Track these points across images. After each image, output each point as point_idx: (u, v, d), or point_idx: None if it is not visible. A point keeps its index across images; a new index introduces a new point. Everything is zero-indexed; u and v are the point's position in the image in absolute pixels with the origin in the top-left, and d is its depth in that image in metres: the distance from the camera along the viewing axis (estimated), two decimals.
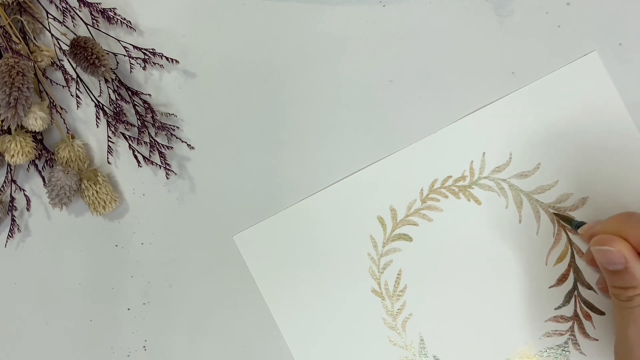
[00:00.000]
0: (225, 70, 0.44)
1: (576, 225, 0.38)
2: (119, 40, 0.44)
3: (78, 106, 0.45)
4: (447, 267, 0.42)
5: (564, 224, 0.40)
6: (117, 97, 0.44)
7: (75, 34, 0.43)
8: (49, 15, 0.44)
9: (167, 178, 0.45)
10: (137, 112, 0.44)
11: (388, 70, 0.42)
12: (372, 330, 0.42)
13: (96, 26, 0.44)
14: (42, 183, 0.46)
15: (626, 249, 0.33)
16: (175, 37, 0.44)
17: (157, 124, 0.43)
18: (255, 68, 0.44)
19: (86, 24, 0.44)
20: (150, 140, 0.44)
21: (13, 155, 0.42)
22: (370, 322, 0.42)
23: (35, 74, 0.43)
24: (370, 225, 0.43)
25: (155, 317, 0.45)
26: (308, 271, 0.43)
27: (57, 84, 0.45)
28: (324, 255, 0.43)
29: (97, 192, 0.43)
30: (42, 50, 0.43)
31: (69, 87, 0.45)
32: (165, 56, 0.43)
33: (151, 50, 0.43)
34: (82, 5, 0.43)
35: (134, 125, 0.44)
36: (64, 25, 0.44)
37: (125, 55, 0.44)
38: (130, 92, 0.44)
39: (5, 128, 0.42)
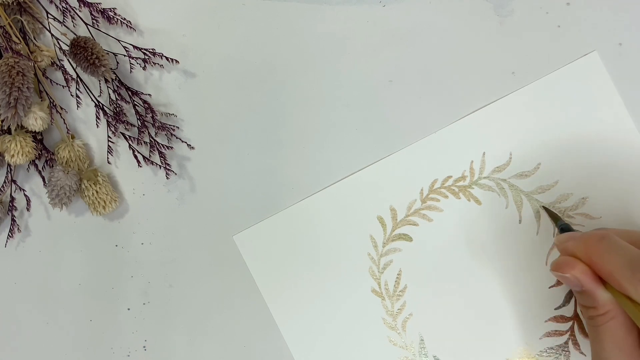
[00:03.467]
0: (225, 70, 0.44)
1: (560, 226, 0.38)
2: (119, 40, 0.44)
3: (78, 106, 0.45)
4: (447, 267, 0.42)
5: (550, 219, 0.40)
6: (117, 97, 0.44)
7: (75, 34, 0.43)
8: (49, 15, 0.44)
9: (167, 178, 0.45)
10: (137, 112, 0.44)
11: (388, 70, 0.42)
12: (372, 330, 0.42)
13: (96, 26, 0.44)
14: (42, 183, 0.46)
15: (582, 274, 0.32)
16: (175, 37, 0.44)
17: (157, 124, 0.43)
18: (255, 68, 0.44)
19: (86, 24, 0.44)
20: (150, 140, 0.44)
21: (13, 155, 0.42)
22: (370, 322, 0.42)
23: (35, 74, 0.43)
24: (370, 225, 0.43)
25: (155, 317, 0.45)
26: (308, 271, 0.43)
27: (57, 84, 0.45)
28: (324, 255, 0.43)
29: (97, 192, 0.43)
30: (42, 50, 0.43)
31: (69, 87, 0.45)
32: (165, 56, 0.43)
33: (151, 50, 0.43)
34: (82, 5, 0.43)
35: (134, 125, 0.44)
36: (64, 25, 0.44)
37: (125, 55, 0.44)
38: (130, 92, 0.44)
39: (5, 128, 0.42)
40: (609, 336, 0.32)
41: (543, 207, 0.40)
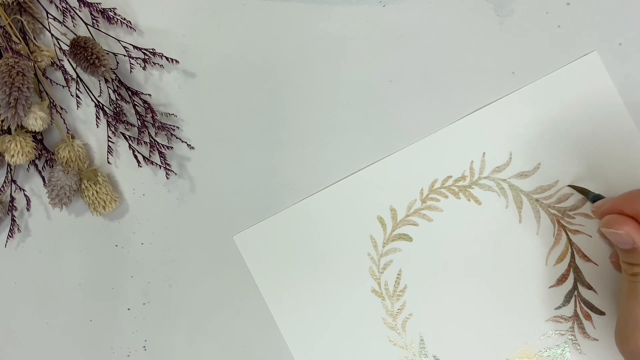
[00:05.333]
0: (225, 70, 0.44)
1: (592, 197, 0.38)
2: (119, 40, 0.44)
3: (78, 106, 0.45)
4: (447, 267, 0.42)
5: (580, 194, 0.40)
6: (117, 97, 0.44)
7: (75, 34, 0.43)
8: (49, 15, 0.44)
9: (167, 178, 0.45)
10: (137, 112, 0.44)
11: (388, 70, 0.42)
12: (372, 330, 0.42)
13: (96, 26, 0.44)
14: (42, 183, 0.46)
15: (634, 230, 0.33)
16: (175, 37, 0.44)
17: (157, 124, 0.43)
18: (255, 68, 0.44)
19: (86, 24, 0.44)
20: (150, 140, 0.44)
21: (13, 155, 0.42)
22: (371, 322, 0.42)
23: (35, 74, 0.43)
24: (370, 225, 0.43)
25: (155, 317, 0.45)
26: (308, 271, 0.43)
27: (57, 84, 0.45)
28: (324, 255, 0.43)
29: (97, 192, 0.43)
30: (42, 50, 0.43)
31: (69, 87, 0.45)
32: (165, 56, 0.43)
33: (151, 50, 0.43)
34: (82, 5, 0.43)
35: (134, 125, 0.44)
36: (64, 25, 0.44)
37: (125, 55, 0.44)
38: (130, 92, 0.44)
39: (5, 128, 0.42)
40: None
41: (569, 185, 0.40)
